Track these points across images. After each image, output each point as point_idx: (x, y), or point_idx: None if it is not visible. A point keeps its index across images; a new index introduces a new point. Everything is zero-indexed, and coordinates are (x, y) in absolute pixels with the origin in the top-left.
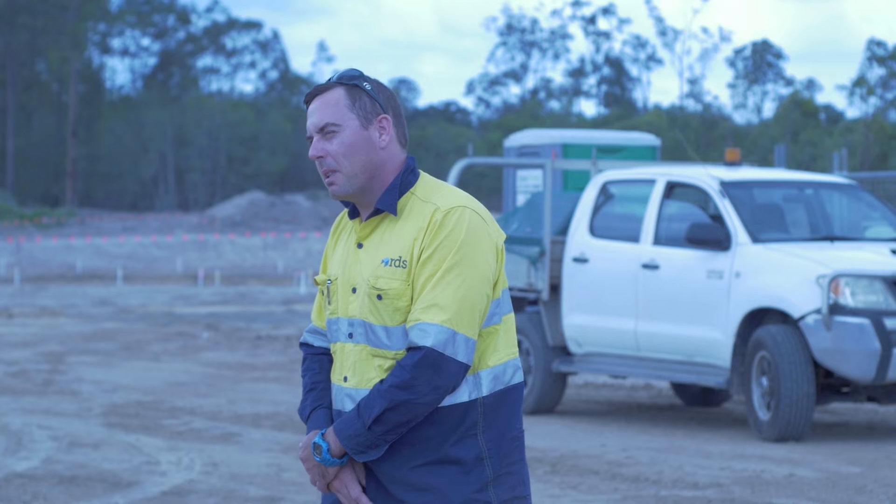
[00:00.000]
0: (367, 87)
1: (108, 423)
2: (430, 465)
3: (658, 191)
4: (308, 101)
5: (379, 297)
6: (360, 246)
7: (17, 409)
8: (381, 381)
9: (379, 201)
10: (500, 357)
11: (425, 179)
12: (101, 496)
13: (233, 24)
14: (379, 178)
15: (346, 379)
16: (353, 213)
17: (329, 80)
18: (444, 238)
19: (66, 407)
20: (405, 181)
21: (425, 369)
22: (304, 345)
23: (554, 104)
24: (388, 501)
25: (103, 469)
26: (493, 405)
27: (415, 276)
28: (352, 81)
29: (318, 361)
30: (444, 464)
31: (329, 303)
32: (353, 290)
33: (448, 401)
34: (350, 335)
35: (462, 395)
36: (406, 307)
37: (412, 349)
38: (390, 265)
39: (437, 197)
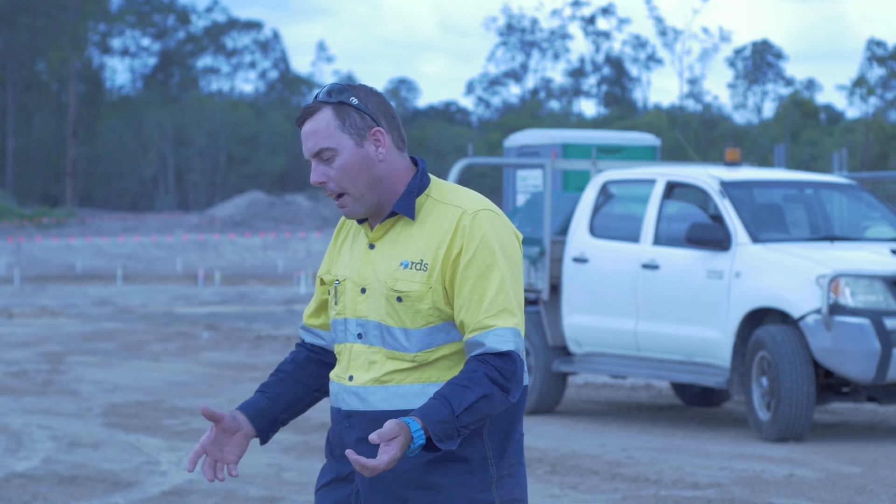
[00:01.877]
0: (354, 101)
1: (108, 423)
2: (435, 463)
3: (658, 191)
4: (300, 124)
5: (399, 299)
6: (371, 247)
7: (17, 409)
8: (465, 375)
9: (396, 205)
10: None
11: (437, 182)
12: (101, 496)
13: (233, 24)
14: (386, 189)
15: (351, 378)
16: (361, 219)
17: (316, 97)
18: (482, 240)
19: (66, 407)
20: (421, 185)
21: (516, 371)
22: (299, 340)
23: (554, 104)
24: (392, 499)
25: (103, 469)
26: None
27: (448, 278)
28: (338, 99)
29: (298, 353)
30: (449, 461)
31: (336, 303)
32: (363, 291)
33: None
34: (359, 335)
35: None
36: (427, 309)
37: (497, 354)
38: (410, 268)
39: (456, 199)
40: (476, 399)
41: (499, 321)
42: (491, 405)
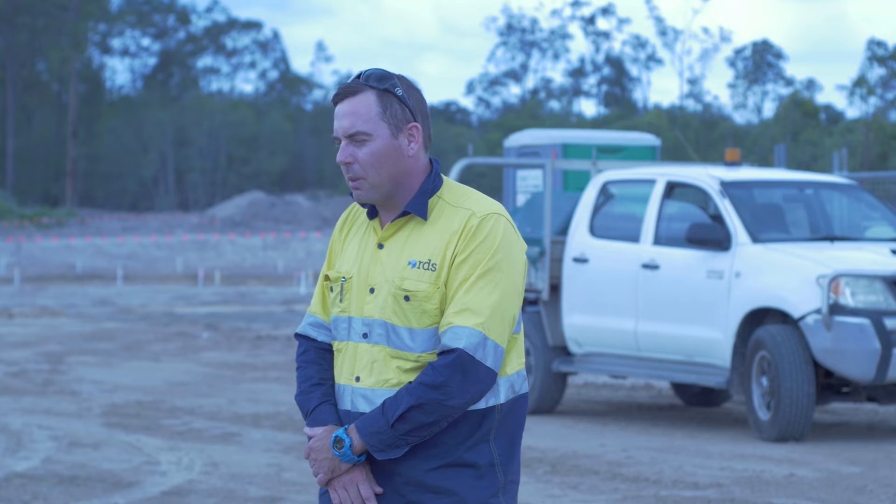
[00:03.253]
0: (399, 92)
1: (108, 423)
2: (445, 468)
3: (658, 191)
4: (336, 101)
5: (406, 298)
6: (380, 247)
7: (17, 409)
8: (410, 382)
9: (409, 205)
10: (514, 366)
11: (449, 184)
12: (101, 496)
13: (233, 24)
14: (404, 185)
15: (358, 379)
16: (373, 213)
17: (358, 77)
18: (480, 243)
19: (66, 407)
20: (435, 186)
21: (457, 371)
22: (304, 337)
23: (554, 104)
24: (398, 502)
25: (103, 469)
26: (506, 413)
27: (448, 280)
28: (384, 85)
29: (323, 357)
30: (459, 467)
31: (341, 300)
32: (371, 291)
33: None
34: (365, 335)
35: (481, 401)
36: (434, 310)
37: (445, 352)
38: (418, 267)
39: (468, 202)
40: (406, 409)
41: (458, 319)
42: (427, 413)
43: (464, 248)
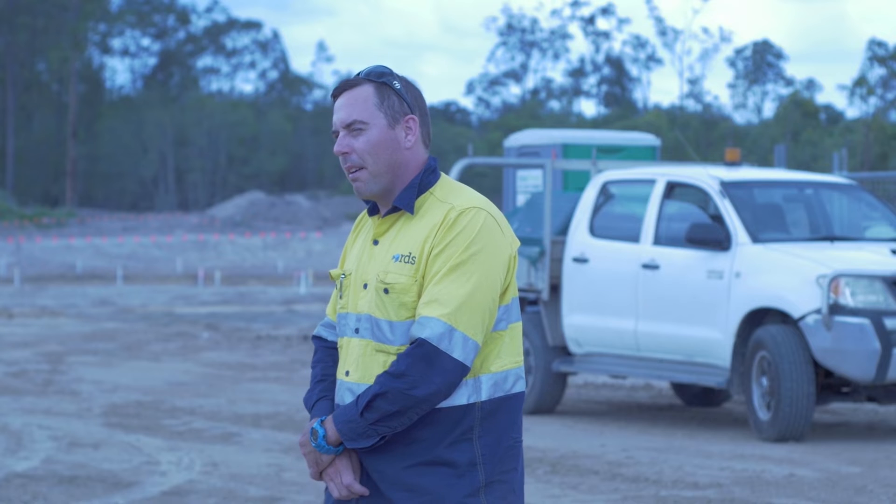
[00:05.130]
0: (397, 85)
1: (108, 423)
2: (422, 466)
3: (658, 191)
4: (335, 96)
5: (386, 290)
6: (375, 243)
7: (17, 409)
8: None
9: (397, 199)
10: (503, 364)
11: (445, 181)
12: (101, 496)
13: (233, 24)
14: (401, 178)
15: (347, 373)
16: (373, 210)
17: (358, 74)
18: (456, 235)
19: (66, 407)
20: (425, 181)
21: (419, 360)
22: (316, 338)
23: (554, 104)
24: (379, 501)
25: (103, 469)
26: (491, 411)
27: (424, 272)
28: (381, 79)
29: (330, 355)
30: (436, 465)
31: (341, 297)
32: (365, 286)
33: (445, 403)
34: (356, 330)
35: (460, 397)
36: (412, 303)
37: (411, 342)
38: (400, 261)
39: (454, 197)
40: (371, 397)
41: (425, 310)
42: (391, 402)
43: (440, 240)
